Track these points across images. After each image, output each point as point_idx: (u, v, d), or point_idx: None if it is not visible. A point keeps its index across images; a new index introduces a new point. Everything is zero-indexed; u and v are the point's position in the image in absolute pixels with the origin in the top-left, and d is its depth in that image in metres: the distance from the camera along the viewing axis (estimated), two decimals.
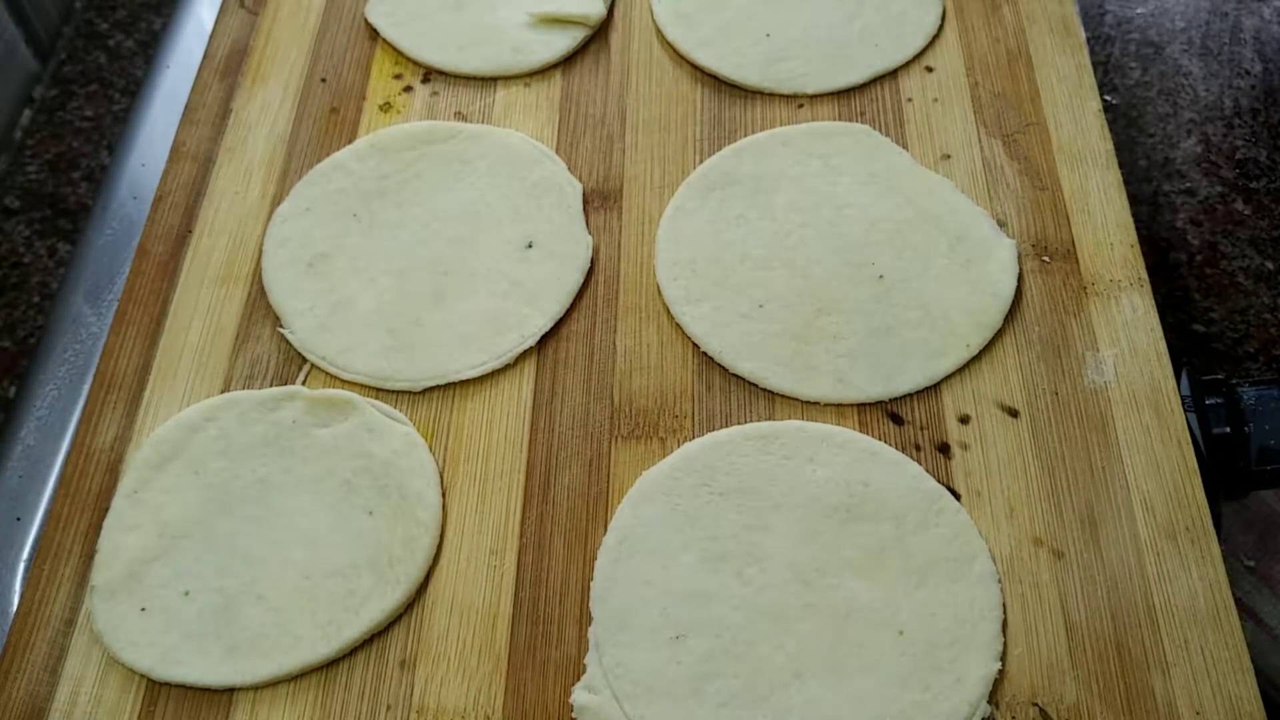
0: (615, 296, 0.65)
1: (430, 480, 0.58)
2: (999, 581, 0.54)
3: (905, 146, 0.69)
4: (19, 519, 0.66)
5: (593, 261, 0.66)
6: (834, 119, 0.71)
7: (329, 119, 0.74)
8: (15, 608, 0.58)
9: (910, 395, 0.60)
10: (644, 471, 0.58)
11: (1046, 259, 0.64)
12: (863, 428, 0.59)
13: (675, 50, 0.74)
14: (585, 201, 0.68)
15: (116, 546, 0.57)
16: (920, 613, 0.53)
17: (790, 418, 0.59)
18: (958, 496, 0.56)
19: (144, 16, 1.04)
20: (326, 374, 0.63)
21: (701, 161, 0.69)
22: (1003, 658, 0.52)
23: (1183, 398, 0.58)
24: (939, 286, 0.63)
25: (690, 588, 0.54)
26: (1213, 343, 0.81)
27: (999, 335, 0.61)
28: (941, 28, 0.74)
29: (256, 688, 0.54)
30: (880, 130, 0.70)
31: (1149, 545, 0.54)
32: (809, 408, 0.60)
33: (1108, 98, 0.94)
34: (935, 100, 0.71)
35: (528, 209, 0.68)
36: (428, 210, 0.68)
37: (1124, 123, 0.92)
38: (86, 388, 0.65)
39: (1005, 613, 0.53)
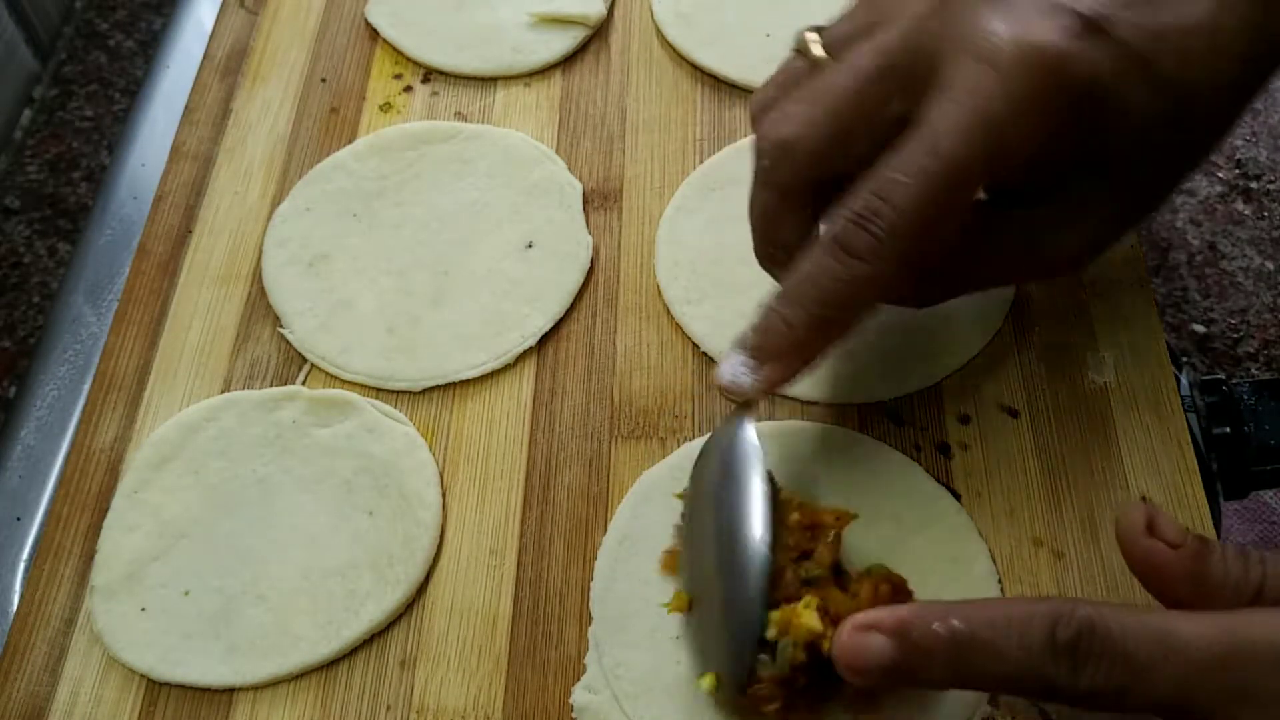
0: (615, 296, 0.65)
1: (430, 480, 0.58)
2: (999, 582, 0.54)
3: None
4: (19, 519, 0.66)
5: (593, 261, 0.66)
6: None
7: (329, 119, 0.74)
8: (15, 608, 0.58)
9: (910, 395, 0.60)
10: (644, 471, 0.58)
11: None
12: (863, 428, 0.59)
13: (675, 50, 0.74)
14: (585, 201, 0.68)
15: (116, 546, 0.57)
16: None
17: (790, 418, 0.59)
18: (958, 496, 0.56)
19: (144, 16, 1.04)
20: (326, 374, 0.63)
21: (701, 161, 0.69)
22: None
23: (1183, 398, 0.58)
24: None
25: None
26: (1213, 343, 0.81)
27: (999, 335, 0.61)
28: None
29: (256, 688, 0.54)
30: None
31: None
32: (809, 408, 0.60)
33: None
34: None
35: (528, 209, 0.68)
36: (428, 210, 0.68)
37: None
38: (86, 388, 0.65)
39: None
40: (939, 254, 0.48)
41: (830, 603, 0.47)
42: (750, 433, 0.50)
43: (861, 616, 0.40)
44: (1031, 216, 0.51)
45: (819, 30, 0.52)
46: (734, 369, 0.49)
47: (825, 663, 0.46)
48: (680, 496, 0.54)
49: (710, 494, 0.51)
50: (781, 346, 0.48)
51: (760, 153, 0.51)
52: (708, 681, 0.48)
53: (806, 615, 0.46)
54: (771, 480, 0.50)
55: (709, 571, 0.49)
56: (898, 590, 0.48)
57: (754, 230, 0.54)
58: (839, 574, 0.50)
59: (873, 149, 0.47)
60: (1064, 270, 0.54)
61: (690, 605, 0.51)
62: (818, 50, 0.51)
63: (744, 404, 0.51)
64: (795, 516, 0.50)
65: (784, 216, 0.51)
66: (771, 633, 0.46)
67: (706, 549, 0.50)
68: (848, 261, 0.46)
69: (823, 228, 0.51)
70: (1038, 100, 0.45)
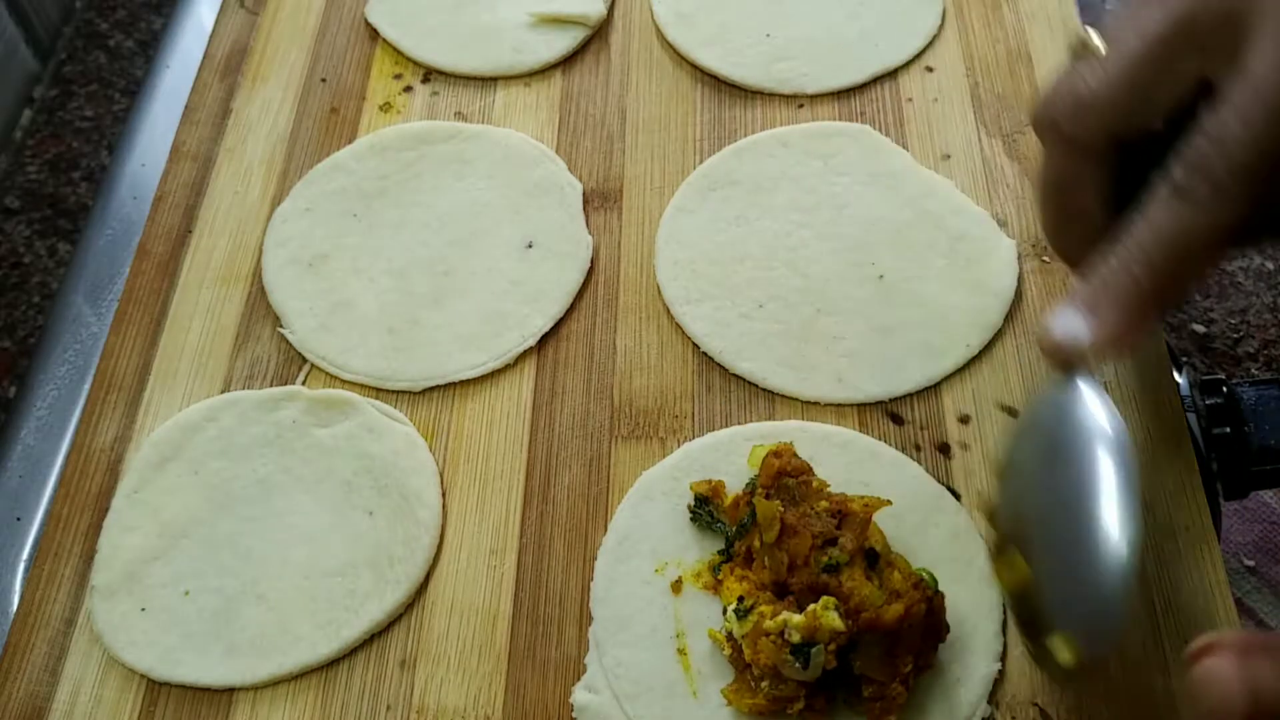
0: (615, 296, 0.65)
1: (430, 480, 0.58)
2: None
3: (905, 146, 0.69)
4: (19, 519, 0.66)
5: (593, 261, 0.66)
6: (834, 119, 0.71)
7: (329, 119, 0.74)
8: (15, 608, 0.58)
9: (910, 395, 0.60)
10: (644, 471, 0.58)
11: (1046, 259, 0.64)
12: (863, 428, 0.59)
13: (675, 50, 0.74)
14: (585, 201, 0.68)
15: (116, 546, 0.57)
16: None
17: (790, 418, 0.59)
18: (958, 496, 0.56)
19: (144, 16, 1.04)
20: (326, 374, 0.63)
21: (701, 161, 0.69)
22: (1003, 658, 0.52)
23: (1183, 398, 0.58)
24: (939, 286, 0.63)
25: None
26: (1213, 343, 0.81)
27: (999, 335, 0.61)
28: (941, 28, 0.74)
29: (256, 688, 0.54)
30: (880, 130, 0.70)
31: (1149, 545, 0.54)
32: (809, 408, 0.60)
33: None
34: (935, 100, 0.71)
35: (528, 209, 0.68)
36: (428, 210, 0.68)
37: None
38: (86, 388, 0.65)
39: (1005, 613, 0.53)
40: (1274, 195, 0.46)
41: (851, 589, 0.48)
42: (1089, 394, 0.46)
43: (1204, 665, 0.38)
44: None
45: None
46: (1068, 321, 0.47)
47: (843, 660, 0.48)
48: (996, 472, 0.51)
49: (1043, 465, 0.48)
50: (1123, 296, 0.46)
51: (1047, 123, 0.50)
52: (1062, 645, 0.43)
53: (828, 617, 0.47)
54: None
55: (1047, 542, 0.46)
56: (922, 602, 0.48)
57: (1045, 206, 0.52)
58: (872, 557, 0.50)
59: (1168, 112, 0.47)
60: None
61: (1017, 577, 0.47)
62: (1097, 40, 0.50)
63: (1073, 366, 0.47)
64: (823, 504, 0.50)
65: (1083, 180, 0.50)
66: (796, 637, 0.47)
67: (1044, 521, 0.47)
68: (1188, 209, 0.45)
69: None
70: None
